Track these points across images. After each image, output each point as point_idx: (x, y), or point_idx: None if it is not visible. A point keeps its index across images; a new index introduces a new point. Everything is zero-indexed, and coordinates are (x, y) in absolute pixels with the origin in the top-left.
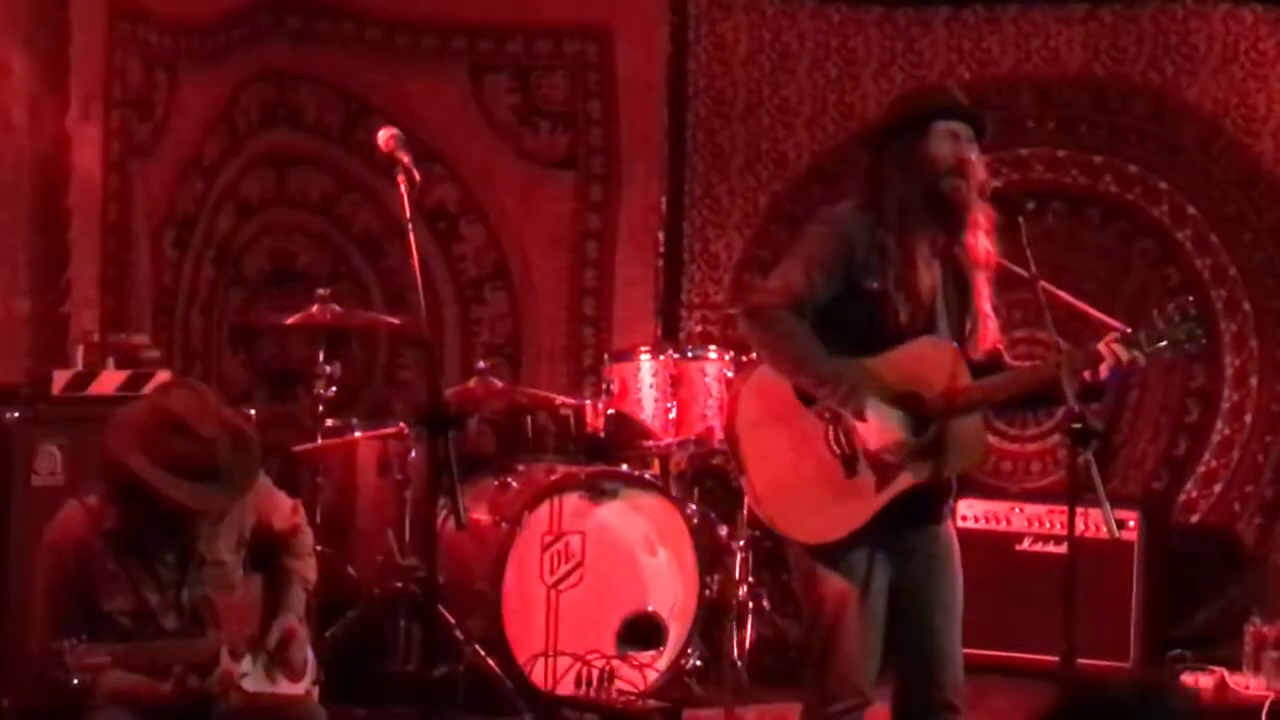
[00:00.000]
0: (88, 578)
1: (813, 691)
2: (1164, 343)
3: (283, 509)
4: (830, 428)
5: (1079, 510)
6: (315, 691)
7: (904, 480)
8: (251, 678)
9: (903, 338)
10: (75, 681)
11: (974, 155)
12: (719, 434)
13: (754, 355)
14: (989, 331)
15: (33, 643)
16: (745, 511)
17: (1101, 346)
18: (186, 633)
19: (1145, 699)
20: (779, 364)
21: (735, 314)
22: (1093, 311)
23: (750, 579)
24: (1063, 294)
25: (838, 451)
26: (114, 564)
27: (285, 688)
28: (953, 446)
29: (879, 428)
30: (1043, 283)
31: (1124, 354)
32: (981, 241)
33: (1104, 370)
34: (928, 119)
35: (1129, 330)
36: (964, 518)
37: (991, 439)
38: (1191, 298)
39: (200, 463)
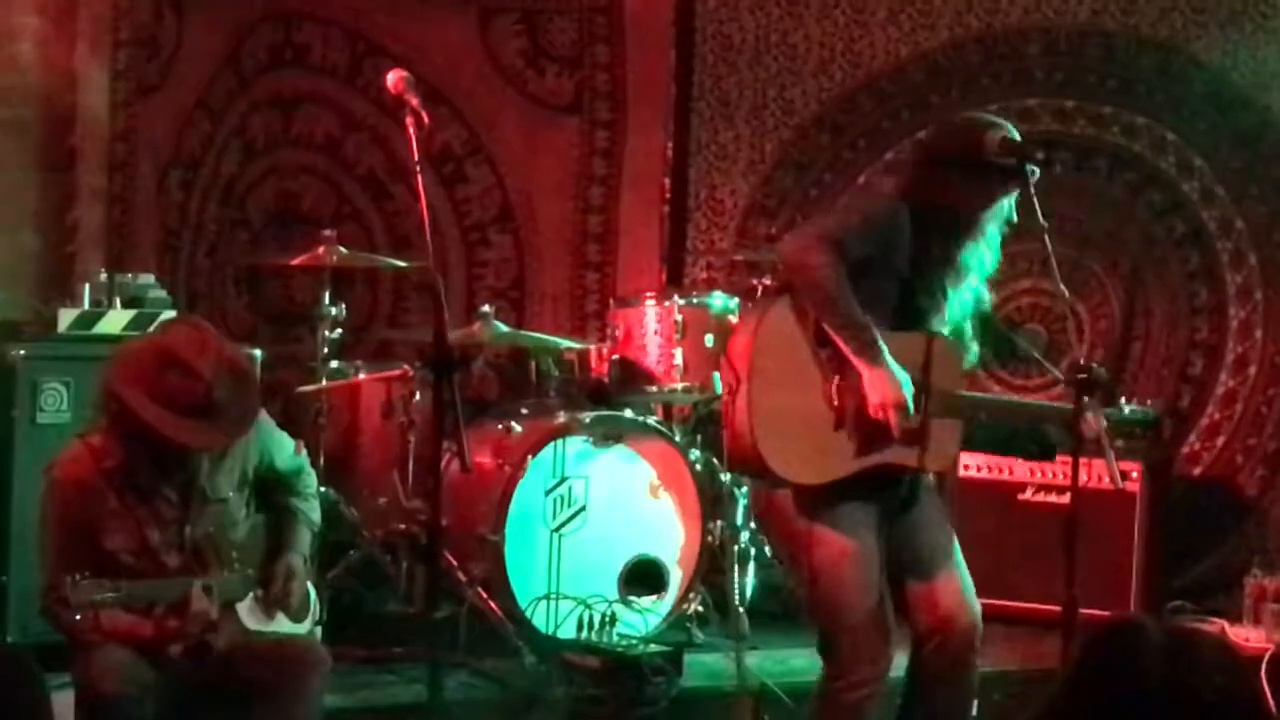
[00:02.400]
0: (90, 516)
1: (826, 662)
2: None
3: (285, 449)
4: (833, 379)
5: (1082, 461)
6: (318, 632)
7: (883, 457)
8: (251, 615)
9: (905, 325)
10: (77, 618)
11: None
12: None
13: (759, 295)
14: (961, 314)
15: (37, 579)
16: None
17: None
18: (189, 571)
19: (1175, 648)
20: (813, 295)
21: (779, 236)
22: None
23: (752, 525)
24: (1020, 339)
25: (835, 403)
26: (116, 502)
27: (286, 627)
28: (939, 439)
29: (887, 385)
30: (1044, 244)
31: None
32: (986, 252)
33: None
34: (999, 165)
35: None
36: (966, 467)
37: (996, 388)
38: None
39: (198, 399)
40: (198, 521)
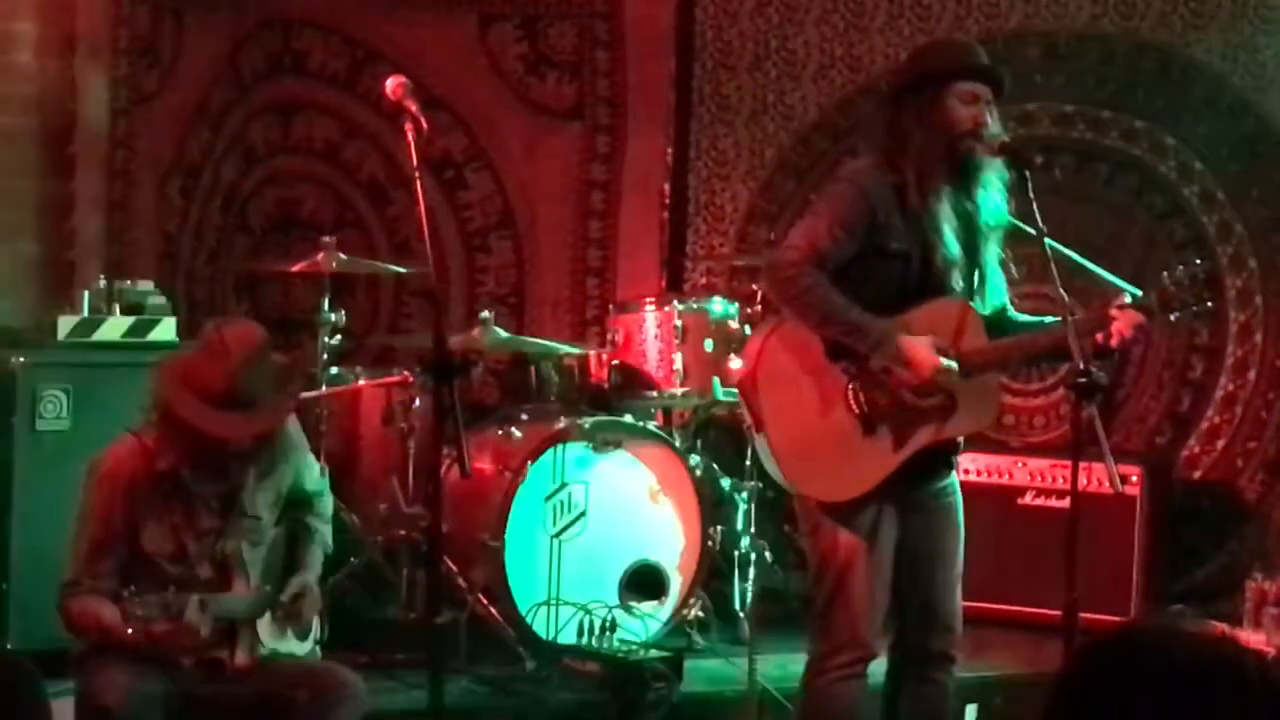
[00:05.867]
0: (134, 513)
1: (818, 643)
2: (1174, 304)
3: (314, 470)
4: (851, 386)
5: (1082, 465)
6: (318, 651)
7: (921, 438)
8: (265, 630)
9: (920, 297)
10: (130, 631)
11: (990, 117)
12: (723, 386)
13: (759, 307)
14: (996, 288)
15: (41, 585)
16: (749, 463)
17: (1114, 310)
18: (216, 584)
19: (1216, 667)
20: (806, 317)
21: (759, 269)
22: (1104, 273)
23: (753, 530)
24: (1073, 254)
25: (857, 411)
26: (161, 505)
27: (289, 644)
28: (966, 406)
29: (923, 356)
30: (1053, 242)
31: (1135, 318)
32: (993, 199)
33: (1114, 339)
34: (947, 78)
35: (1139, 293)
36: (966, 471)
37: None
38: (1200, 259)
39: (225, 388)
40: (231, 535)
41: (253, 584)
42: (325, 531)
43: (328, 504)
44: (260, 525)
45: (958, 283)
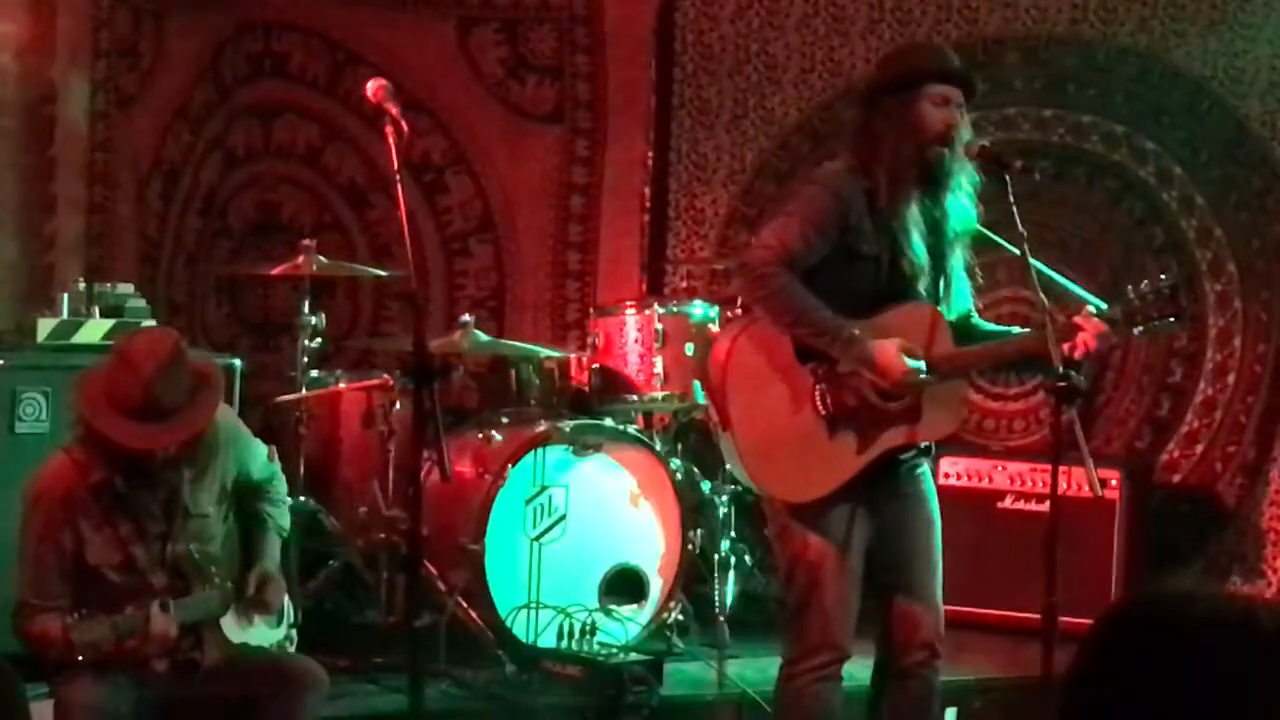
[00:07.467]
0: (74, 531)
1: (790, 646)
2: (1139, 319)
3: (259, 457)
4: (819, 387)
5: (1061, 469)
6: (294, 635)
7: (884, 442)
8: (231, 625)
9: (888, 301)
10: (80, 658)
11: (962, 120)
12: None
13: (739, 311)
14: (962, 294)
15: (20, 593)
16: (728, 466)
17: (1079, 320)
18: (172, 589)
19: (1231, 616)
20: (778, 317)
21: (730, 269)
22: (1071, 286)
23: (733, 533)
24: (1040, 265)
25: (822, 412)
26: (101, 517)
27: (262, 632)
28: (932, 411)
29: (893, 360)
30: (1020, 250)
31: (1100, 329)
32: (962, 204)
33: (1079, 350)
34: (920, 81)
35: (1104, 306)
36: (946, 475)
37: (975, 397)
38: (1164, 275)
39: (138, 398)
40: (179, 538)
41: (211, 582)
42: (281, 515)
43: (280, 486)
44: (208, 523)
45: (924, 288)
